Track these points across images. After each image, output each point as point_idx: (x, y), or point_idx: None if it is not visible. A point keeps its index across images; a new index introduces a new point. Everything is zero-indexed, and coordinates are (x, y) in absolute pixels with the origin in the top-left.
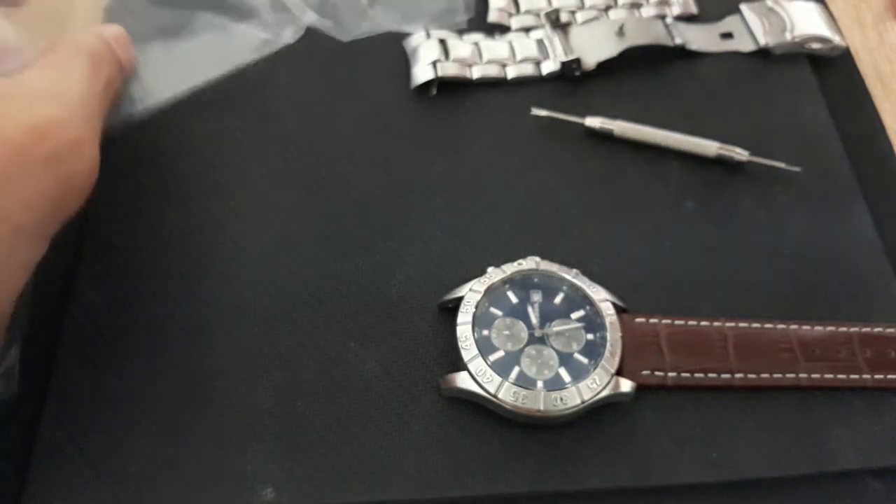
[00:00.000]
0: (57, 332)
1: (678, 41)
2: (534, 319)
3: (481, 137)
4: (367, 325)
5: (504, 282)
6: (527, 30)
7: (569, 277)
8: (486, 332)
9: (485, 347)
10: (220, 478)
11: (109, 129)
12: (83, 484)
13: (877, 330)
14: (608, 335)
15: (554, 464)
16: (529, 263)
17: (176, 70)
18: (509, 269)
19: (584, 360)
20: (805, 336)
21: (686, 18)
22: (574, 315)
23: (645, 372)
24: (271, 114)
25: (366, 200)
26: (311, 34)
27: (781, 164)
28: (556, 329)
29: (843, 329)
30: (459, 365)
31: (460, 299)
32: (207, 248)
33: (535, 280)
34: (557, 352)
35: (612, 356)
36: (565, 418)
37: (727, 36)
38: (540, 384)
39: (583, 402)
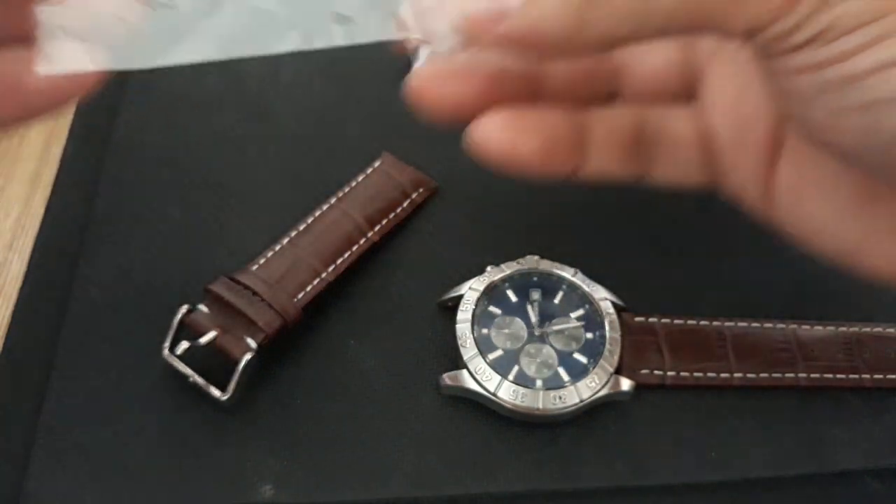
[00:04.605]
0: (57, 331)
1: None
2: (533, 318)
3: None
4: (366, 324)
5: (503, 280)
6: None
7: (568, 276)
8: (485, 331)
9: (484, 346)
10: (219, 475)
11: None
12: (82, 482)
13: (877, 330)
14: (607, 334)
15: (553, 462)
16: (529, 262)
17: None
18: (509, 267)
19: (584, 359)
20: (804, 336)
21: None
22: (573, 314)
23: (644, 371)
24: (271, 114)
25: None
26: None
27: None
28: (555, 328)
29: (843, 329)
30: (459, 363)
31: (460, 298)
32: (207, 247)
33: (535, 279)
34: (557, 351)
35: (611, 355)
36: (564, 417)
37: None
38: (539, 383)
39: (582, 401)
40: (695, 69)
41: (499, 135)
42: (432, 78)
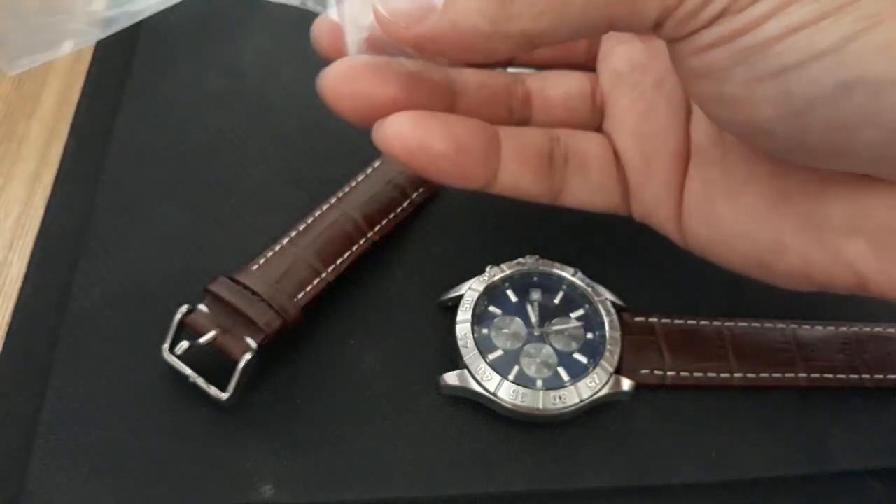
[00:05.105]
0: (57, 331)
1: None
2: (533, 318)
3: None
4: (366, 323)
5: (503, 280)
6: None
7: (568, 276)
8: (485, 331)
9: (484, 346)
10: (219, 475)
11: None
12: (82, 482)
13: (877, 330)
14: (607, 334)
15: (553, 462)
16: (529, 262)
17: None
18: (509, 267)
19: (584, 359)
20: (804, 336)
21: None
22: (573, 314)
23: (644, 371)
24: (271, 113)
25: None
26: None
27: None
28: (555, 328)
29: (843, 329)
30: (459, 363)
31: (460, 298)
32: (208, 247)
33: (535, 279)
34: (557, 351)
35: (611, 355)
36: (564, 417)
37: None
38: (539, 383)
39: (582, 401)
40: (601, 97)
41: (409, 132)
42: (346, 75)
